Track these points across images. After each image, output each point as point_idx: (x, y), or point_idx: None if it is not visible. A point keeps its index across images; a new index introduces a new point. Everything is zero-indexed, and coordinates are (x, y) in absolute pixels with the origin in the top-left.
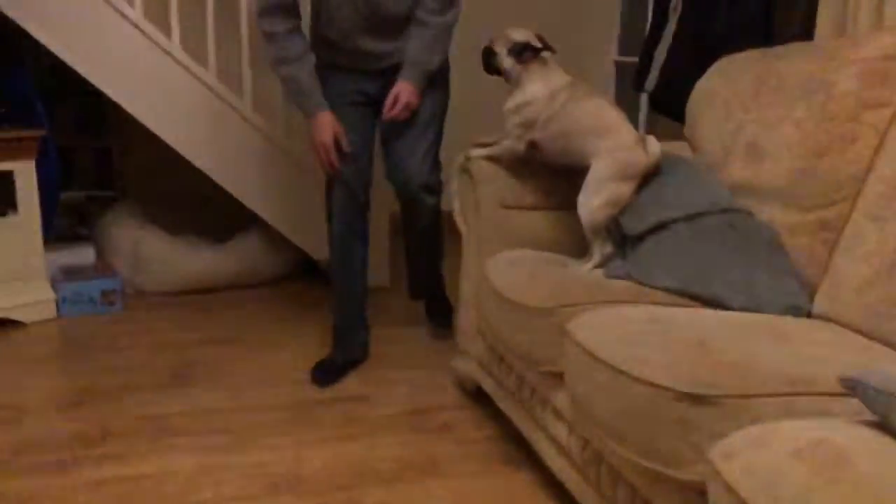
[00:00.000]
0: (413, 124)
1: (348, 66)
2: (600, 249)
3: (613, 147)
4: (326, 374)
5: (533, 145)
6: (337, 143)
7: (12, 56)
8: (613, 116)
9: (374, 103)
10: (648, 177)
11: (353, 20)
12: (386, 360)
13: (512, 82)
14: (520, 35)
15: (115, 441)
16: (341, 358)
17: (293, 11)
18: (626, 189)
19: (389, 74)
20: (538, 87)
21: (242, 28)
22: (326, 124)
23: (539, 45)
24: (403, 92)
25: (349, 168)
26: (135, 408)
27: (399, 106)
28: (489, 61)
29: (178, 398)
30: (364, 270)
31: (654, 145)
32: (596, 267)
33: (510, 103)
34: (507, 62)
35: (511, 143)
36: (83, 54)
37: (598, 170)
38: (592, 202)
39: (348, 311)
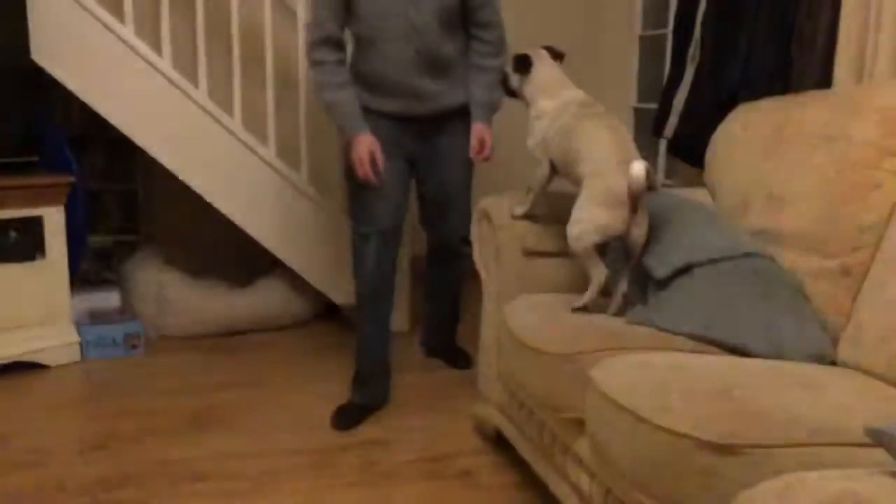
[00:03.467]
0: (462, 181)
1: (391, 111)
2: (596, 276)
3: (594, 173)
4: (347, 418)
5: (554, 169)
6: (373, 160)
7: (43, 103)
8: (601, 141)
9: (411, 159)
10: (639, 201)
11: (405, 54)
12: (405, 404)
13: (526, 101)
14: (522, 51)
15: (135, 485)
16: (362, 402)
17: (341, 45)
18: (610, 215)
19: (429, 129)
20: (547, 101)
21: (268, 77)
22: (365, 143)
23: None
24: (486, 135)
25: (388, 220)
26: (156, 452)
27: (487, 149)
28: (505, 85)
29: (200, 442)
30: (390, 317)
31: (637, 168)
32: (591, 298)
33: (530, 119)
34: (513, 79)
35: (539, 173)
36: (113, 102)
37: (582, 195)
38: (574, 229)
39: (372, 356)
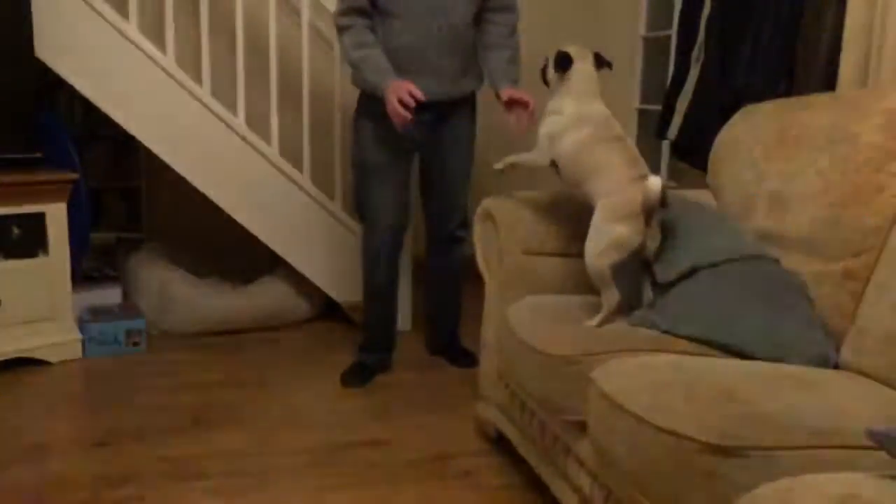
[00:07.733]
0: (462, 168)
1: None
2: (607, 300)
3: (607, 190)
4: (356, 377)
5: (554, 164)
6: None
7: (46, 100)
8: (614, 159)
9: (418, 148)
10: (653, 215)
11: (428, 30)
12: (407, 404)
13: (552, 91)
14: (568, 49)
15: (136, 482)
16: (370, 363)
17: (367, 13)
18: (625, 230)
19: (437, 117)
20: (570, 102)
21: (272, 77)
22: (401, 85)
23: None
24: (520, 92)
25: (394, 214)
26: (157, 449)
27: (531, 108)
28: (543, 74)
29: (201, 440)
30: (396, 300)
31: (653, 182)
32: (603, 321)
33: (547, 110)
34: (550, 73)
35: (536, 156)
36: (116, 99)
37: (596, 215)
38: (592, 248)
39: (381, 328)
